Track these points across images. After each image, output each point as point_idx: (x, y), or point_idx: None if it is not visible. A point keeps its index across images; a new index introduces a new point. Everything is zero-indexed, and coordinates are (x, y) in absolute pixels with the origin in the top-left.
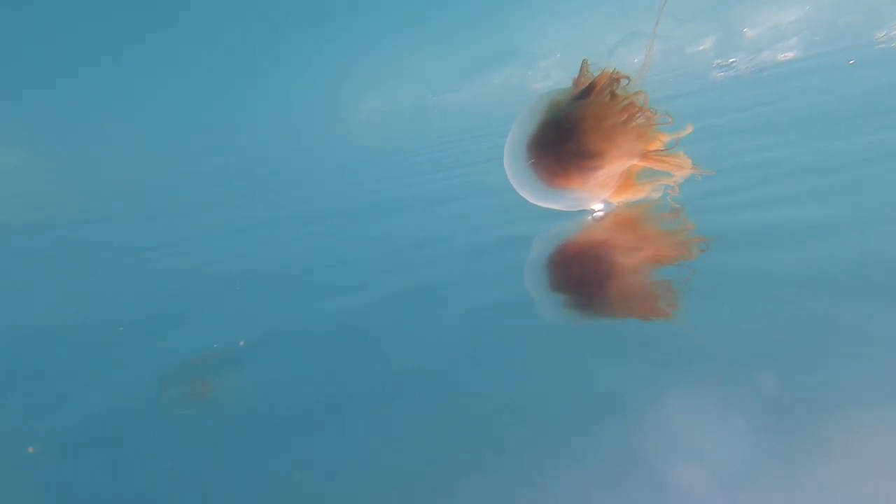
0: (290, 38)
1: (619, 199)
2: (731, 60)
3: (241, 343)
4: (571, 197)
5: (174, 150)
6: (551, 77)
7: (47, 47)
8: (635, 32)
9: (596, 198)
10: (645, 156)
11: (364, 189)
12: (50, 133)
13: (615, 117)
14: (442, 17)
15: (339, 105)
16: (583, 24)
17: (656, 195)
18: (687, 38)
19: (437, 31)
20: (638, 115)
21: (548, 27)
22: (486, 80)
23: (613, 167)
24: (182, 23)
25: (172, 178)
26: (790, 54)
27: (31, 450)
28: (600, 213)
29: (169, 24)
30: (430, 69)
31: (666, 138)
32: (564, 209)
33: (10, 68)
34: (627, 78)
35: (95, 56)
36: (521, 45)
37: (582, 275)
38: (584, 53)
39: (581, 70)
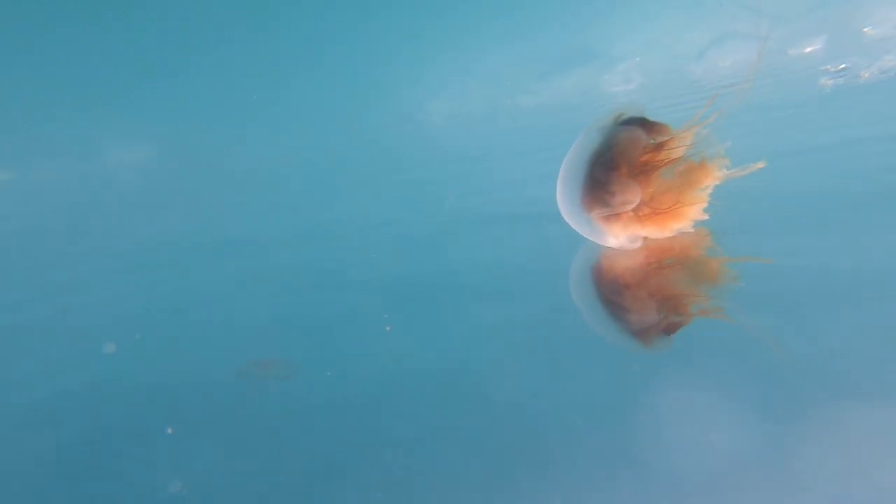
0: (366, 40)
1: (654, 233)
2: (841, 66)
3: None
4: (592, 225)
5: (262, 149)
6: (632, 80)
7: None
8: (728, 33)
9: (612, 234)
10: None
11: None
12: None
13: (650, 161)
14: (515, 17)
15: (412, 107)
16: (665, 25)
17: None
18: (789, 39)
19: (510, 33)
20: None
21: (627, 28)
22: (562, 83)
23: (630, 206)
24: (261, 27)
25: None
26: None
27: (169, 430)
28: (614, 245)
29: (248, 29)
30: (503, 71)
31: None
32: (588, 235)
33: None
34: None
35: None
36: (599, 47)
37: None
38: (666, 56)
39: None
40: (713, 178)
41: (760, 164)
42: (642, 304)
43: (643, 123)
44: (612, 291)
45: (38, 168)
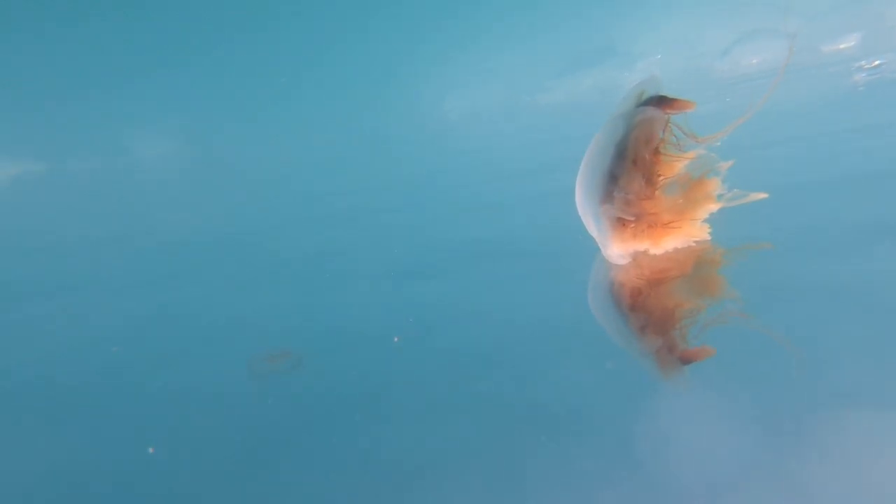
0: (379, 39)
1: (654, 248)
2: (875, 63)
3: None
4: (601, 225)
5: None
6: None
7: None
8: (755, 30)
9: (616, 242)
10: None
11: None
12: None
13: (660, 163)
14: (533, 14)
15: (428, 106)
16: (687, 22)
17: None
18: (821, 36)
19: (528, 30)
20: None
21: (648, 25)
22: (581, 81)
23: (632, 209)
24: (269, 23)
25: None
26: None
27: (151, 450)
28: (613, 257)
29: (255, 26)
30: (522, 69)
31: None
32: (595, 236)
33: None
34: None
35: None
36: (618, 44)
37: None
38: (689, 54)
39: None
40: (714, 201)
41: (763, 195)
42: (647, 330)
43: (662, 101)
44: (622, 314)
45: (70, 160)
